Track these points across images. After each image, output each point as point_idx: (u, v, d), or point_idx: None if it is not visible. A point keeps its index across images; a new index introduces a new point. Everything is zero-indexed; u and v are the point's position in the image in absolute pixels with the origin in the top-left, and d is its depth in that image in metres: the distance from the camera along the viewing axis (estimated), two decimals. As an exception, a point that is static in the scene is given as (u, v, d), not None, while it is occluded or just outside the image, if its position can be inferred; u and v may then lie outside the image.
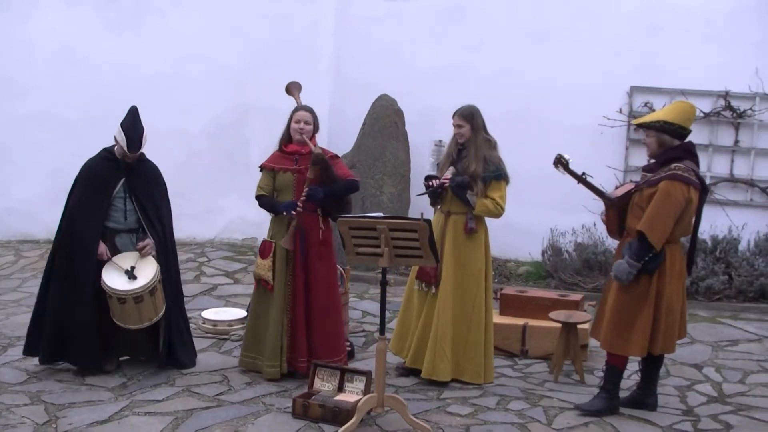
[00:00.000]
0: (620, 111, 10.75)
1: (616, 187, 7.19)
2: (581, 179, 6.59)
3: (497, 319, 8.08)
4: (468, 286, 7.11)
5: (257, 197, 7.26)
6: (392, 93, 11.32)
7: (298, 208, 6.96)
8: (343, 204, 7.17)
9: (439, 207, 7.29)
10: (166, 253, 7.27)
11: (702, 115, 10.46)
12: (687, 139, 6.45)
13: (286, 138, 7.23)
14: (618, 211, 6.55)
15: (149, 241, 7.13)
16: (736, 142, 10.53)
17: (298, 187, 7.06)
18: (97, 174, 7.19)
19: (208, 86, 11.83)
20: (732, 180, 10.52)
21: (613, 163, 10.49)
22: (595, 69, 10.72)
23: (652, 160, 6.52)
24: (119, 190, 7.14)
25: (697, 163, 6.42)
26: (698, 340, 8.49)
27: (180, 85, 11.84)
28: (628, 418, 6.48)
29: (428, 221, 5.97)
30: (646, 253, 6.23)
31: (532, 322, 7.99)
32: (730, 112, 10.47)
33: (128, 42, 11.95)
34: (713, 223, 10.19)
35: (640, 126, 6.63)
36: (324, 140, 11.06)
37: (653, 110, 10.56)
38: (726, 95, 10.45)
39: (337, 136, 11.45)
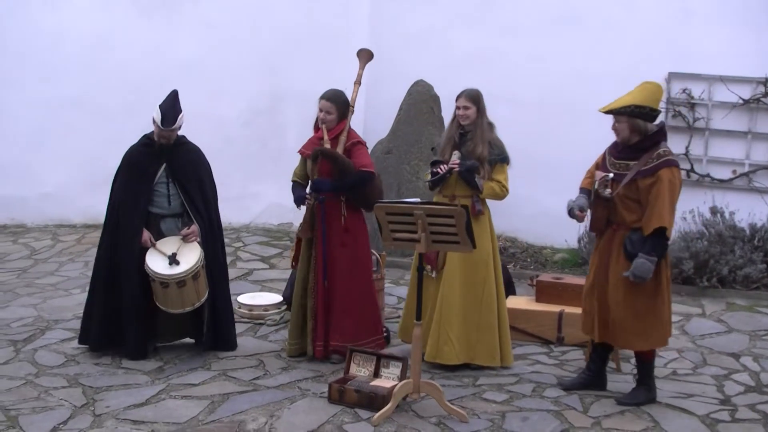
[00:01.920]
0: (658, 97, 10.65)
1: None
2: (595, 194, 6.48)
3: (532, 306, 8.06)
4: (476, 270, 7.08)
5: (292, 182, 7.36)
6: (428, 78, 11.26)
7: (307, 201, 7.08)
8: (367, 194, 7.10)
9: (438, 191, 7.23)
10: (213, 236, 7.32)
11: (741, 101, 10.36)
12: (658, 120, 6.42)
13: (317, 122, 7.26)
14: (606, 205, 6.41)
15: (195, 228, 7.16)
16: (776, 129, 10.41)
17: (322, 174, 7.10)
18: (137, 161, 7.24)
19: (242, 71, 11.85)
20: (771, 167, 10.40)
21: (650, 149, 10.40)
22: (631, 54, 10.56)
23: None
24: (161, 175, 7.17)
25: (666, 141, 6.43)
26: (736, 329, 8.42)
27: (213, 70, 11.87)
28: (664, 407, 6.43)
29: (466, 207, 5.96)
30: (660, 245, 6.17)
31: (569, 310, 7.93)
32: (770, 98, 10.35)
33: (161, 27, 12.00)
34: (752, 211, 10.10)
35: (609, 112, 6.41)
36: (360, 126, 11.05)
37: (692, 97, 10.48)
38: (766, 81, 10.28)
39: (373, 122, 11.44)
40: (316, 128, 7.26)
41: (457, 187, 7.08)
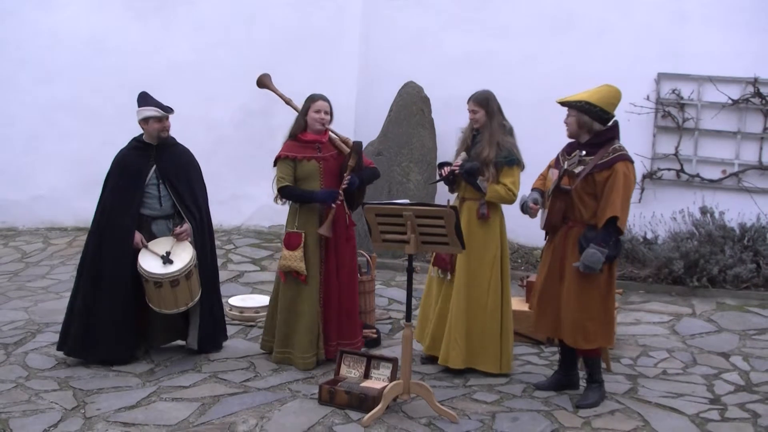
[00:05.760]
0: (647, 98, 10.68)
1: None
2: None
3: (524, 307, 8.06)
4: (482, 273, 7.04)
5: (282, 188, 7.12)
6: (418, 80, 11.29)
7: (339, 199, 7.03)
8: (363, 191, 7.31)
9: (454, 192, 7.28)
10: (203, 236, 7.31)
11: (730, 102, 10.40)
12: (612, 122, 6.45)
13: (302, 126, 7.19)
14: (564, 199, 6.41)
15: (187, 227, 7.16)
16: (765, 129, 10.42)
17: (326, 175, 7.09)
18: (128, 163, 7.23)
19: (235, 74, 11.82)
20: (761, 167, 10.41)
21: (640, 150, 10.38)
22: (621, 56, 10.61)
23: (571, 140, 6.57)
24: (151, 176, 7.16)
25: None
26: (726, 328, 8.44)
27: (207, 72, 11.89)
28: (654, 406, 6.45)
29: (455, 208, 5.97)
30: (612, 239, 6.21)
31: (559, 310, 7.93)
32: (759, 98, 10.36)
33: (155, 29, 12.02)
34: (741, 211, 10.14)
35: (562, 104, 6.52)
36: (350, 127, 11.06)
37: (681, 97, 10.53)
38: (755, 82, 10.34)
39: (364, 124, 11.45)
40: (299, 133, 7.18)
41: (466, 190, 7.09)
